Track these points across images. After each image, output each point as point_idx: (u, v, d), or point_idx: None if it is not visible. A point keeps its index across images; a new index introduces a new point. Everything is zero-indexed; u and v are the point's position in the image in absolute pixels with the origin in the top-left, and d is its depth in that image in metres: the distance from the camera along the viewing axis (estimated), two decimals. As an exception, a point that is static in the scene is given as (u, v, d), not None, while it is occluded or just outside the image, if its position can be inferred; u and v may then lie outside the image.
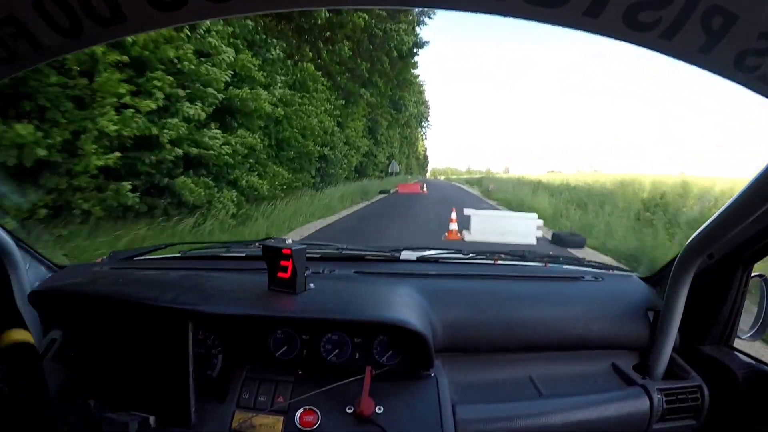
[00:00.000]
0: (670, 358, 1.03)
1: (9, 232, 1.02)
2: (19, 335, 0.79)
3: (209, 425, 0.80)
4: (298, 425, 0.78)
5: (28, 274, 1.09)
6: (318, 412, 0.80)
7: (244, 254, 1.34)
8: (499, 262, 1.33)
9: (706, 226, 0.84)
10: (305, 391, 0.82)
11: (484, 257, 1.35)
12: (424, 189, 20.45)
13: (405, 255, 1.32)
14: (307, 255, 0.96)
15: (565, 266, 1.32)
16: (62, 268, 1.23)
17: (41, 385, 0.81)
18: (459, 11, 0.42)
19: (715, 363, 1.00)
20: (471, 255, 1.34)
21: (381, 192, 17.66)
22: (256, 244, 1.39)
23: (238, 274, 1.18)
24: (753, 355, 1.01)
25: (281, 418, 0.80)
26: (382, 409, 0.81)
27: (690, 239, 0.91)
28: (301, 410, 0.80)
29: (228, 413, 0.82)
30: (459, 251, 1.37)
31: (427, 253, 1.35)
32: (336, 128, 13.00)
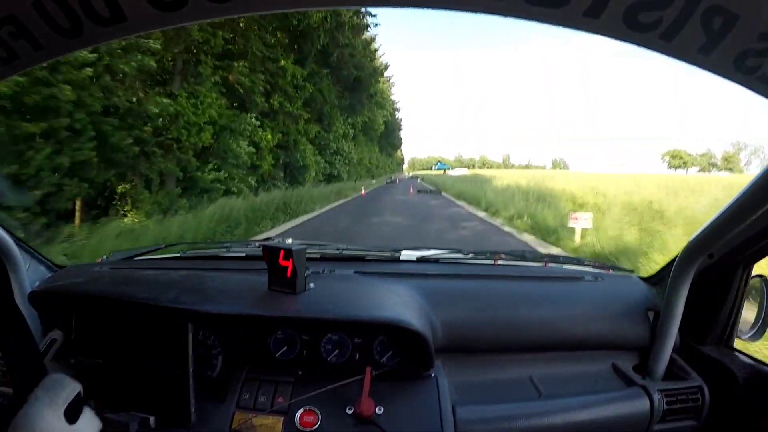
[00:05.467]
0: (671, 359, 1.02)
1: (9, 232, 1.02)
2: None
3: (209, 425, 0.80)
4: (298, 426, 0.78)
5: (28, 274, 1.08)
6: (318, 412, 0.80)
7: (244, 254, 1.34)
8: (499, 262, 1.33)
9: (706, 226, 0.84)
10: (305, 391, 0.82)
11: (484, 257, 1.35)
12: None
13: (405, 255, 1.32)
14: (307, 255, 0.96)
15: (564, 266, 1.33)
16: (62, 268, 1.23)
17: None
18: (459, 11, 0.42)
19: (715, 363, 1.00)
20: (471, 255, 1.35)
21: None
22: (256, 244, 1.39)
23: (238, 274, 1.18)
24: (753, 355, 1.01)
25: (281, 418, 0.80)
26: (382, 409, 0.81)
27: (690, 239, 0.90)
28: (301, 411, 0.80)
29: (228, 414, 0.82)
30: (459, 251, 1.38)
31: (427, 253, 1.35)
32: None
